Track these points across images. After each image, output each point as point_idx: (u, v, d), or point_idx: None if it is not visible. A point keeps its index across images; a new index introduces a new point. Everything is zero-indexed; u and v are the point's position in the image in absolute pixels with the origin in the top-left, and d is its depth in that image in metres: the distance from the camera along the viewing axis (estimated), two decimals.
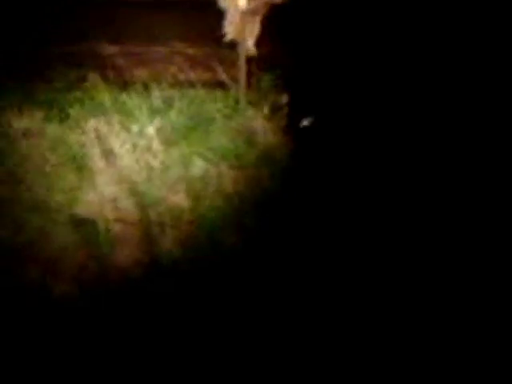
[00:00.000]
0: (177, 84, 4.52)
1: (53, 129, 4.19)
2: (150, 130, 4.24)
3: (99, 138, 4.12)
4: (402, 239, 3.55)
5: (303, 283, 3.31)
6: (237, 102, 4.45)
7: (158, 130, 4.24)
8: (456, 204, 3.75)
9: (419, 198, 3.75)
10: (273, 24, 4.63)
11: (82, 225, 3.58)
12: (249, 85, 4.50)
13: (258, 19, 4.63)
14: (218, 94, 4.50)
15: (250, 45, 4.62)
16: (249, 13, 4.53)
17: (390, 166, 3.88)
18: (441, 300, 3.33)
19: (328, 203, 3.73)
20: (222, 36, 4.55)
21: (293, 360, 3.03)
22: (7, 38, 4.47)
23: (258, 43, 4.68)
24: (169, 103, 4.43)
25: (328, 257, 3.41)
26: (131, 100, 4.41)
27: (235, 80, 4.50)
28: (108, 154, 4.03)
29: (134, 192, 3.80)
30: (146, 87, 4.44)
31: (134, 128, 4.23)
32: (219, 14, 4.58)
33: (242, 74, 4.47)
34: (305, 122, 4.09)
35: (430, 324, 3.23)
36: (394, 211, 3.67)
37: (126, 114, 4.33)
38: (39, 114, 4.28)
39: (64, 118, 4.27)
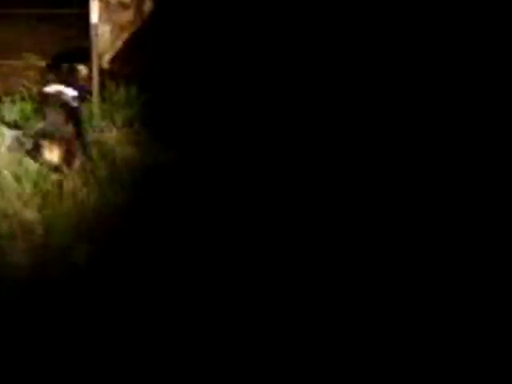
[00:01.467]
0: (30, 97, 4.52)
1: None
2: (3, 142, 4.23)
3: None
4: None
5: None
6: (91, 114, 4.49)
7: (11, 143, 4.22)
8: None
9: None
10: (131, 40, 4.68)
11: None
12: (103, 98, 4.56)
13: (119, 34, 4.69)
14: None
15: (105, 59, 4.67)
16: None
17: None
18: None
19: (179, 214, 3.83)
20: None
21: None
22: None
23: (114, 58, 4.74)
24: (22, 116, 4.43)
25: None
26: None
27: (89, 93, 4.54)
28: None
29: None
30: None
31: None
32: (70, 27, 4.61)
33: (96, 87, 4.53)
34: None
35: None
36: None
37: None
38: None
39: None
